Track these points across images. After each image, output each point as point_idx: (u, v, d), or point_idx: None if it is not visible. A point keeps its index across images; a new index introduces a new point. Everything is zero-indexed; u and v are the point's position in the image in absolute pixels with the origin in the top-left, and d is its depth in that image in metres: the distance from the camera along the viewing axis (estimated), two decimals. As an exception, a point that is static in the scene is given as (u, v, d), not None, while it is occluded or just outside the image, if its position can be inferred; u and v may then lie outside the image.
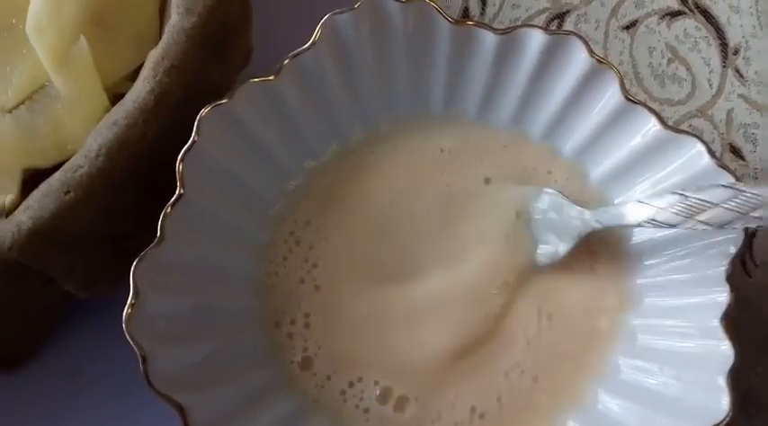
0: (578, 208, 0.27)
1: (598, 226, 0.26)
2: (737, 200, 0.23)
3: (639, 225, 0.25)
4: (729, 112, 0.33)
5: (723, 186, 0.24)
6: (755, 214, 0.23)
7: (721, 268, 0.25)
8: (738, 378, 0.30)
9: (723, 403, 0.23)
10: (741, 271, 0.31)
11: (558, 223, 0.27)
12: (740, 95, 0.33)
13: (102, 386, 0.28)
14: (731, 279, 0.30)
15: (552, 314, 0.27)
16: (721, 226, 0.23)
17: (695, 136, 0.26)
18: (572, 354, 0.27)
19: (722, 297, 0.24)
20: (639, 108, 0.26)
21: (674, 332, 0.26)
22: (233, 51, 0.29)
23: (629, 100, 0.26)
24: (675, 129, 0.26)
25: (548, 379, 0.27)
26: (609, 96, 0.27)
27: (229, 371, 0.24)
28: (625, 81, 0.34)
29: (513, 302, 0.27)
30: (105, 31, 0.29)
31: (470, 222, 0.28)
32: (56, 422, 0.28)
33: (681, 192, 0.24)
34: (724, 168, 0.25)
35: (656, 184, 0.27)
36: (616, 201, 0.28)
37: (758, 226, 0.23)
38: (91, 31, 0.28)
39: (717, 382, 0.23)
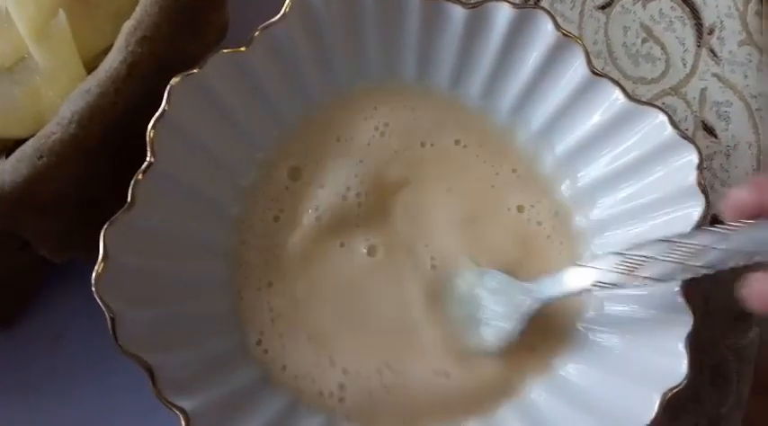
0: (519, 284, 0.26)
1: (545, 298, 0.26)
2: (676, 252, 0.23)
3: (585, 290, 0.24)
4: (703, 91, 0.33)
5: (659, 240, 0.23)
6: (694, 263, 0.23)
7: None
8: (708, 351, 0.31)
9: (682, 367, 0.23)
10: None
11: (501, 305, 0.26)
12: (714, 74, 0.34)
13: (82, 350, 0.29)
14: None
15: None
16: (664, 279, 0.23)
17: (658, 107, 0.26)
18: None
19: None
20: (604, 81, 0.27)
21: (637, 300, 0.26)
22: (208, 24, 0.30)
23: (594, 73, 0.27)
24: (639, 101, 0.26)
25: None
26: (575, 69, 0.27)
27: (198, 335, 0.25)
28: (599, 60, 0.34)
29: None
30: (85, 5, 0.29)
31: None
32: (36, 386, 0.29)
33: (618, 252, 0.24)
34: (686, 138, 0.25)
35: (620, 156, 0.27)
36: (584, 172, 0.28)
37: (701, 274, 0.23)
38: (71, 5, 0.28)
39: (676, 347, 0.24)
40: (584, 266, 0.24)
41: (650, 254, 0.23)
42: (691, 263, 0.23)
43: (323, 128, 0.29)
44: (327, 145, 0.29)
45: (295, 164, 0.28)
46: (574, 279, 0.25)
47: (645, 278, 0.23)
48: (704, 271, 0.23)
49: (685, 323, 0.24)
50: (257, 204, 0.28)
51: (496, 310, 0.26)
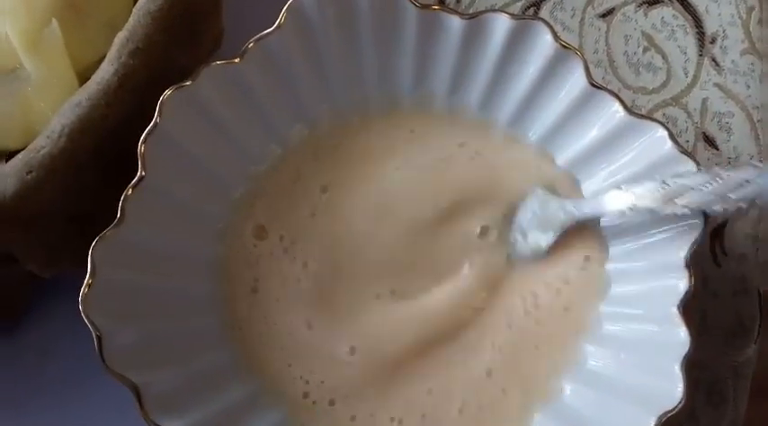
0: (559, 200, 0.27)
1: (580, 216, 0.26)
2: (715, 183, 0.23)
3: (621, 212, 0.25)
4: (704, 101, 0.33)
5: (698, 172, 0.24)
6: (732, 195, 0.23)
7: (682, 255, 0.25)
8: (705, 368, 0.30)
9: (678, 390, 0.23)
10: (711, 261, 0.31)
11: (539, 217, 0.27)
12: (716, 84, 0.33)
13: (71, 366, 0.29)
14: (701, 268, 0.31)
15: (535, 304, 0.28)
16: (701, 209, 0.24)
17: (658, 121, 0.26)
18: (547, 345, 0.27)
19: (682, 284, 0.24)
20: (603, 93, 0.26)
21: (635, 319, 0.26)
22: (202, 34, 0.29)
23: (594, 85, 0.26)
24: (638, 115, 0.26)
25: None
26: (574, 81, 0.26)
27: (186, 352, 0.24)
28: (599, 69, 0.34)
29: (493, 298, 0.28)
30: (78, 15, 0.29)
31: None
32: (24, 402, 0.29)
33: (659, 179, 0.24)
34: (685, 154, 0.25)
35: (619, 171, 0.27)
36: (584, 186, 0.28)
37: (738, 208, 0.23)
38: (63, 15, 0.28)
39: (673, 369, 0.23)
40: (623, 189, 0.25)
41: (689, 183, 0.24)
42: (729, 195, 0.23)
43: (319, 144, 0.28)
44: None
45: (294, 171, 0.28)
46: (611, 200, 0.25)
47: (683, 206, 0.24)
48: (742, 204, 0.23)
49: (682, 345, 0.23)
50: (251, 218, 0.27)
51: (532, 224, 0.27)
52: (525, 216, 0.28)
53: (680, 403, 0.23)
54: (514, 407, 0.27)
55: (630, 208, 0.25)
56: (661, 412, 0.23)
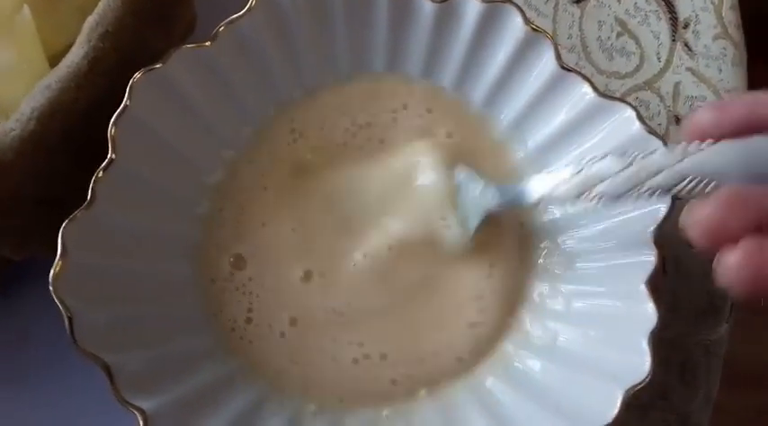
0: (482, 185, 0.27)
1: (497, 205, 0.26)
2: (632, 170, 0.23)
3: (538, 201, 0.25)
4: (677, 85, 0.33)
5: (617, 156, 0.23)
6: (650, 182, 0.22)
7: (649, 231, 0.25)
8: (677, 347, 0.30)
9: (645, 364, 0.23)
10: (683, 242, 0.31)
11: (466, 202, 0.27)
12: (688, 68, 0.33)
13: (50, 349, 0.29)
14: (672, 249, 0.31)
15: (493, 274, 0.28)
16: (615, 198, 0.23)
17: (626, 102, 0.26)
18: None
19: (649, 260, 0.25)
20: (573, 76, 0.26)
21: (603, 296, 0.26)
22: (175, 19, 0.29)
23: (564, 68, 0.26)
24: (607, 96, 0.26)
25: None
26: (544, 64, 0.27)
27: (160, 333, 0.25)
28: (573, 55, 0.34)
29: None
30: (49, 0, 0.29)
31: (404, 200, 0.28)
32: (4, 385, 0.29)
33: (577, 166, 0.24)
34: (653, 133, 0.25)
35: (588, 152, 0.27)
36: (553, 168, 0.28)
37: (656, 195, 0.22)
38: (36, 0, 0.28)
39: (640, 344, 0.23)
40: (540, 176, 0.25)
41: (605, 171, 0.23)
42: (646, 182, 0.22)
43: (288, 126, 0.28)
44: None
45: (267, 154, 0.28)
46: (530, 187, 0.25)
47: (598, 195, 0.23)
48: (659, 192, 0.22)
49: (649, 320, 0.24)
50: (224, 202, 0.27)
51: (456, 210, 0.27)
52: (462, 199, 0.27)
53: (647, 376, 0.23)
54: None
55: (547, 197, 0.24)
56: (629, 385, 0.23)
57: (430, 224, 0.27)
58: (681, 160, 0.22)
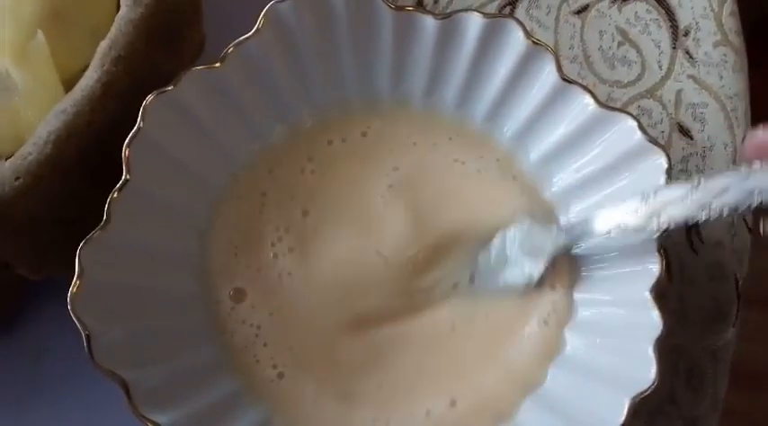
0: (545, 227, 0.27)
1: (567, 242, 0.27)
2: (698, 194, 0.23)
3: (607, 233, 0.25)
4: (678, 93, 0.34)
5: (680, 183, 0.24)
6: (716, 203, 0.23)
7: (653, 239, 0.25)
8: (684, 353, 0.31)
9: (651, 372, 0.23)
10: (688, 249, 0.32)
11: (526, 246, 0.27)
12: (689, 76, 0.34)
13: (67, 365, 0.29)
14: (678, 256, 0.31)
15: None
16: (685, 221, 0.24)
17: (627, 112, 0.26)
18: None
19: (654, 268, 0.25)
20: (575, 87, 0.27)
21: (609, 304, 0.26)
22: (184, 41, 0.30)
23: (565, 80, 0.27)
24: (609, 107, 0.27)
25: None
26: (545, 77, 0.27)
27: (174, 349, 0.25)
28: (575, 65, 0.35)
29: None
30: (63, 24, 0.29)
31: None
32: (22, 401, 0.30)
33: (640, 194, 0.25)
34: (654, 143, 0.26)
35: (591, 163, 0.27)
36: (556, 180, 0.28)
37: (724, 214, 0.23)
38: (48, 25, 0.29)
39: (646, 352, 0.24)
40: (608, 210, 0.25)
41: (671, 197, 0.24)
42: (713, 204, 0.23)
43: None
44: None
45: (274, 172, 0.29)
46: (598, 223, 0.26)
47: (667, 221, 0.24)
48: (726, 212, 0.23)
49: (655, 328, 0.24)
50: (230, 214, 0.28)
51: (518, 253, 0.27)
52: (509, 245, 0.28)
53: (653, 384, 0.23)
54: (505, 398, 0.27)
55: (616, 229, 0.25)
56: (635, 393, 0.23)
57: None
58: (746, 179, 0.23)
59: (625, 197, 0.26)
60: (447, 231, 0.28)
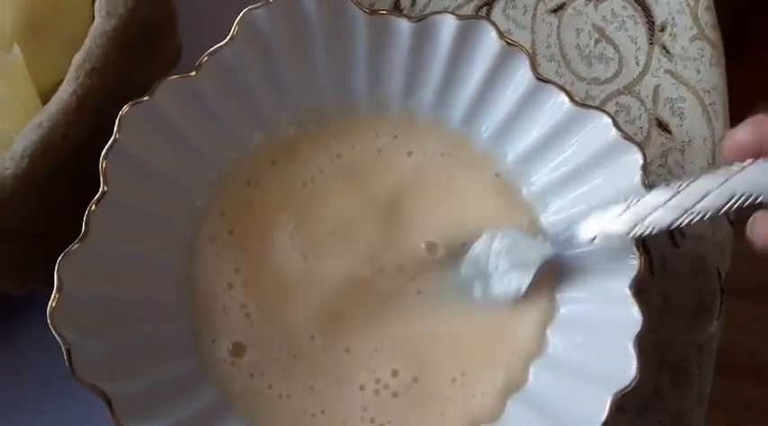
0: (529, 238, 0.27)
1: (553, 252, 0.27)
2: (679, 197, 0.24)
3: (591, 241, 0.25)
4: (656, 88, 0.34)
5: (660, 188, 0.24)
6: (697, 207, 0.24)
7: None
8: (669, 347, 0.31)
9: (632, 368, 0.23)
10: (669, 244, 0.32)
11: (511, 259, 0.27)
12: (667, 71, 0.34)
13: (49, 379, 0.29)
14: (660, 251, 0.31)
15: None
16: (669, 227, 0.24)
17: (602, 110, 0.26)
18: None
19: (633, 264, 0.25)
20: (550, 86, 0.27)
21: (589, 302, 0.26)
22: (160, 51, 0.30)
23: (540, 79, 0.27)
24: (584, 105, 0.27)
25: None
26: (520, 77, 0.27)
27: (156, 360, 0.25)
28: (553, 63, 0.35)
29: None
30: (39, 37, 0.29)
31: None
32: (5, 415, 0.29)
33: (623, 201, 0.25)
34: (629, 140, 0.26)
35: (567, 161, 0.28)
36: (534, 180, 0.29)
37: (705, 218, 0.24)
38: (25, 38, 0.29)
39: (627, 348, 0.24)
40: (590, 218, 0.25)
41: (654, 202, 0.24)
42: (695, 207, 0.23)
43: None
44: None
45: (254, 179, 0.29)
46: (582, 231, 0.26)
47: (650, 226, 0.24)
48: (709, 215, 0.24)
49: (635, 324, 0.24)
50: (213, 225, 0.28)
51: (505, 265, 0.27)
52: (491, 258, 0.27)
53: (634, 380, 0.23)
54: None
55: (601, 236, 0.25)
56: (617, 390, 0.23)
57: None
58: (726, 181, 0.23)
59: (604, 196, 0.26)
60: (430, 232, 0.28)
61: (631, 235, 0.25)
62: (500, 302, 0.27)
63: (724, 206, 0.23)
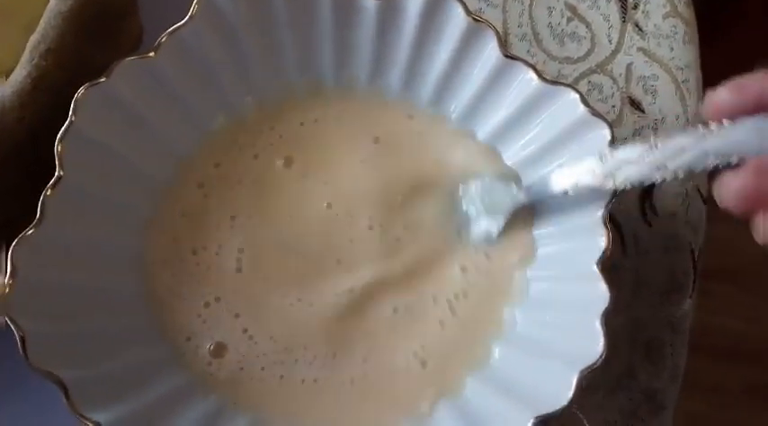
0: (505, 185, 0.27)
1: (526, 199, 0.27)
2: (655, 154, 0.23)
3: (564, 192, 0.25)
4: (629, 66, 0.33)
5: (638, 143, 0.24)
6: (672, 164, 0.23)
7: (599, 213, 0.25)
8: (642, 326, 0.31)
9: (599, 345, 0.23)
10: (641, 221, 0.31)
11: (486, 204, 0.28)
12: (639, 49, 0.34)
13: (9, 366, 0.28)
14: (631, 229, 0.31)
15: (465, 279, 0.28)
16: (641, 182, 0.24)
17: (570, 86, 0.26)
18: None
19: (600, 241, 0.25)
20: (518, 64, 0.26)
21: (558, 280, 0.26)
22: (120, 33, 0.29)
23: (507, 56, 0.26)
24: (551, 82, 0.26)
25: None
26: (488, 54, 0.27)
27: (113, 347, 0.25)
28: (524, 43, 0.34)
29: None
30: (-3, 21, 0.29)
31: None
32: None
33: (597, 154, 0.25)
34: (597, 116, 0.25)
35: (536, 138, 0.27)
36: (505, 157, 0.28)
37: (679, 175, 0.23)
38: (-19, 21, 0.28)
39: (594, 325, 0.23)
40: (565, 169, 0.25)
41: (627, 157, 0.24)
42: (669, 164, 0.23)
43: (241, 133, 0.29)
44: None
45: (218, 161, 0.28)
46: (555, 181, 0.26)
47: (624, 180, 0.24)
48: (681, 173, 0.23)
49: (602, 300, 0.24)
50: (173, 206, 0.27)
51: (480, 209, 0.28)
52: (472, 202, 0.28)
53: (600, 357, 0.23)
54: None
55: (574, 187, 0.25)
56: (583, 367, 0.23)
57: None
58: (703, 139, 0.23)
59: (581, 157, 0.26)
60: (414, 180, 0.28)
61: (604, 188, 0.24)
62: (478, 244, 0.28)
63: (698, 166, 0.23)
